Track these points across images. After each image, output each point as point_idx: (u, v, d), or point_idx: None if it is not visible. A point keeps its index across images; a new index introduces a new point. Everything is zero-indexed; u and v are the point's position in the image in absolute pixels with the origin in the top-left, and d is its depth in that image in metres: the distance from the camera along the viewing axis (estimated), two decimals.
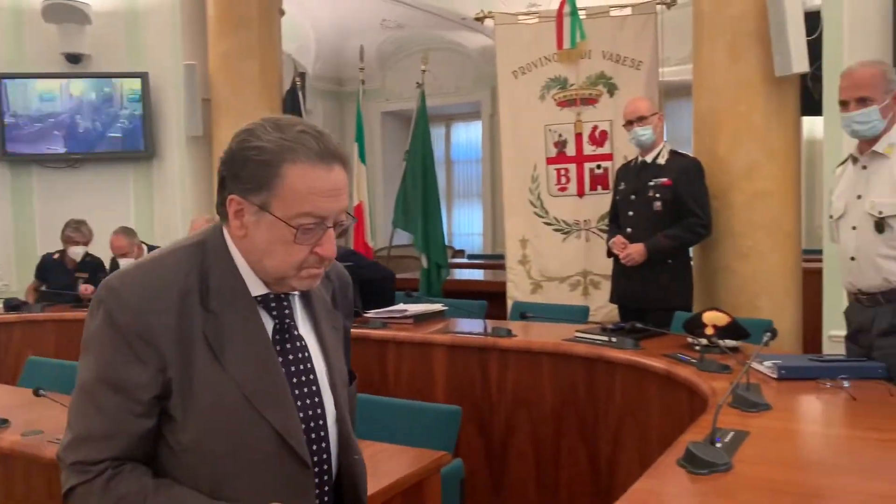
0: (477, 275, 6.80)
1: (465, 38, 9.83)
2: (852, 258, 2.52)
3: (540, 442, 3.09)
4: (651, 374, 2.70)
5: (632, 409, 2.82)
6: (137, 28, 5.79)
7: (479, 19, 4.87)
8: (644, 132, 3.63)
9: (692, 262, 3.83)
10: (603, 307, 4.44)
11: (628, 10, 4.67)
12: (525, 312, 3.46)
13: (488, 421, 3.20)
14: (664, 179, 3.62)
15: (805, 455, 1.77)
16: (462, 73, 10.32)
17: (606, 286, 4.50)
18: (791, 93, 3.75)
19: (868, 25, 3.31)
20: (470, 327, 3.45)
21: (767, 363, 2.33)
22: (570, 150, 4.68)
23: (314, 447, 1.27)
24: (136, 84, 5.68)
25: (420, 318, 3.63)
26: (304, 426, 1.24)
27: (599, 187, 4.64)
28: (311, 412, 1.26)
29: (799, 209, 3.84)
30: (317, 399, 1.28)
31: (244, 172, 1.17)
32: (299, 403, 1.25)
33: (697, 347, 2.73)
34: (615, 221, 3.86)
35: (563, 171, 4.69)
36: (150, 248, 5.04)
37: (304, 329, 1.31)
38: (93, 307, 1.20)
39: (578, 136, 4.67)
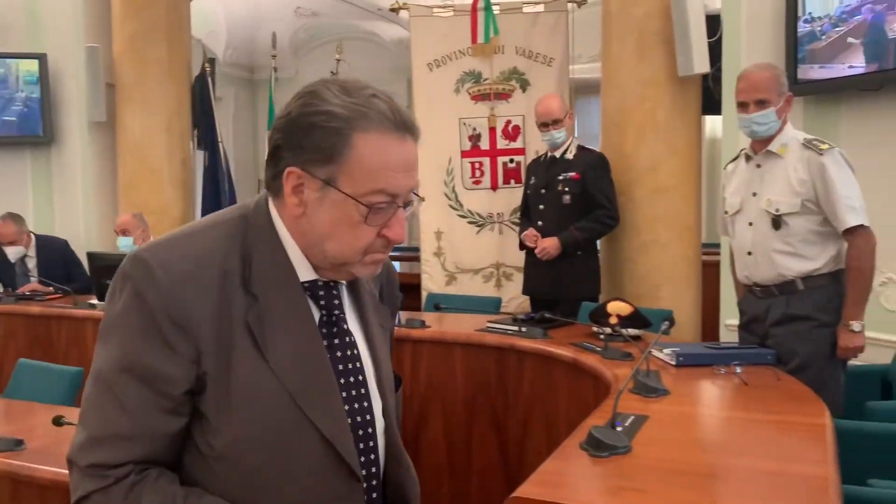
0: (394, 266, 6.80)
1: (382, 28, 9.78)
2: (749, 253, 2.65)
3: (452, 431, 3.14)
4: (559, 362, 2.77)
5: (540, 396, 2.90)
6: (35, 7, 5.50)
7: (395, 10, 4.86)
8: (559, 135, 3.77)
9: (599, 254, 3.97)
10: (515, 298, 4.54)
11: (541, 8, 4.76)
12: (439, 304, 3.49)
13: (402, 412, 3.21)
14: (572, 174, 3.74)
15: (700, 437, 1.87)
16: (378, 63, 10.26)
17: (519, 278, 4.60)
18: (693, 92, 3.92)
19: (764, 29, 3.49)
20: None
21: (667, 350, 2.44)
22: (485, 144, 4.75)
23: (363, 458, 1.11)
24: (33, 66, 5.40)
25: None
26: (352, 433, 1.09)
27: (512, 181, 4.73)
28: (359, 417, 1.10)
29: (699, 204, 4.02)
30: (366, 403, 1.12)
31: (308, 141, 1.01)
32: (347, 407, 1.08)
33: (602, 336, 2.83)
34: (526, 215, 3.97)
35: (477, 165, 4.75)
36: (39, 237, 4.81)
37: (352, 324, 1.14)
38: (115, 284, 1.02)
39: (492, 130, 4.74)
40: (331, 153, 1.00)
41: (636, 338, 2.78)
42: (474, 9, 4.65)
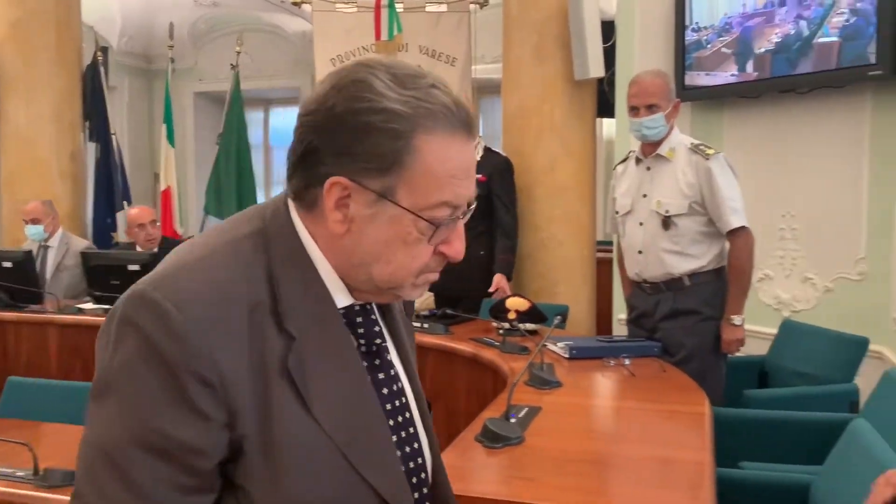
0: None
1: (284, 21, 9.62)
2: (640, 251, 2.77)
3: None
4: (459, 357, 2.83)
5: (442, 391, 2.94)
6: None
7: (297, 4, 4.81)
8: None
9: None
10: (421, 296, 4.56)
11: (444, 7, 4.81)
12: None
13: None
14: (479, 175, 3.78)
15: (590, 426, 1.95)
16: (281, 56, 10.08)
17: None
18: (589, 95, 4.06)
19: (655, 36, 3.65)
20: None
21: (560, 344, 2.53)
22: None
23: None
24: None
25: None
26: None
27: None
28: (412, 463, 0.91)
29: (594, 203, 4.16)
30: (416, 445, 0.93)
31: (362, 146, 0.81)
32: (399, 453, 0.90)
33: (501, 331, 2.90)
34: None
35: None
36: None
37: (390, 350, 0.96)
38: (113, 330, 0.79)
39: None
40: (391, 162, 0.81)
41: (533, 332, 2.87)
42: (378, 5, 4.65)
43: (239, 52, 5.32)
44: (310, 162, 0.83)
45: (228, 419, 0.78)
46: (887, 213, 2.93)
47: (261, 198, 7.61)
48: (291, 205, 0.87)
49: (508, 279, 3.72)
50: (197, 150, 10.00)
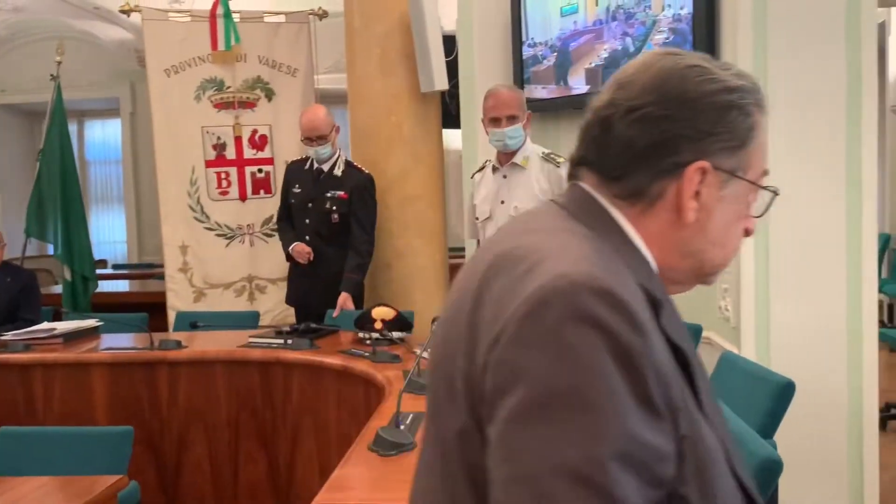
0: (122, 286, 6.34)
1: (99, 28, 9.03)
2: None
3: (217, 453, 3.04)
4: (328, 370, 2.82)
5: (310, 406, 2.92)
6: None
7: (125, 12, 4.54)
8: (324, 151, 3.69)
9: None
10: (272, 310, 4.48)
11: (282, 18, 4.75)
12: (195, 322, 3.35)
13: (159, 439, 3.04)
14: (341, 192, 3.72)
15: None
16: (96, 66, 9.45)
17: (273, 290, 4.55)
18: (434, 107, 4.18)
19: (494, 51, 3.83)
20: (133, 342, 3.24)
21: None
22: (230, 154, 4.62)
23: None
24: None
25: (70, 337, 3.31)
26: None
27: (262, 191, 4.65)
28: None
29: (444, 211, 4.29)
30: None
31: (723, 126, 0.80)
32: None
33: (368, 341, 2.93)
34: (287, 220, 3.87)
35: (223, 175, 4.60)
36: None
37: None
38: (559, 329, 0.67)
39: (238, 139, 4.63)
40: (744, 138, 0.81)
41: (401, 340, 2.92)
42: (213, 15, 4.51)
43: (60, 62, 4.94)
44: (660, 154, 0.79)
45: (672, 418, 0.70)
46: None
47: (91, 216, 7.03)
48: (611, 203, 0.82)
49: (354, 298, 3.67)
50: (5, 167, 9.16)
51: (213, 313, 3.97)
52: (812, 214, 2.78)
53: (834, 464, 2.83)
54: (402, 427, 1.81)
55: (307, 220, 3.75)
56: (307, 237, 3.75)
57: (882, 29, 6.86)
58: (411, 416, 1.93)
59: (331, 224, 3.71)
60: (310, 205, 3.75)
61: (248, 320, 3.75)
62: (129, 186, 10.01)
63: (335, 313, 3.63)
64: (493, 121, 2.83)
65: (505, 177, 2.91)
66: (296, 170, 3.89)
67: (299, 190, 3.79)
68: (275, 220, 4.16)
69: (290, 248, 3.76)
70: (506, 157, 2.90)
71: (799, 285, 2.76)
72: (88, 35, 9.17)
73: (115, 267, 8.52)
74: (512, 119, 2.81)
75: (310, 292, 3.77)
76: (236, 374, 3.00)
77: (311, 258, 3.69)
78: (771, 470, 1.52)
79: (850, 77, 2.81)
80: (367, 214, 3.77)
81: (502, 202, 2.89)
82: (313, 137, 3.68)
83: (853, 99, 2.82)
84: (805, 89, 2.71)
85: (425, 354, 2.58)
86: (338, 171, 3.75)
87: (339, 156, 3.79)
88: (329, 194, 3.72)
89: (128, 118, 9.92)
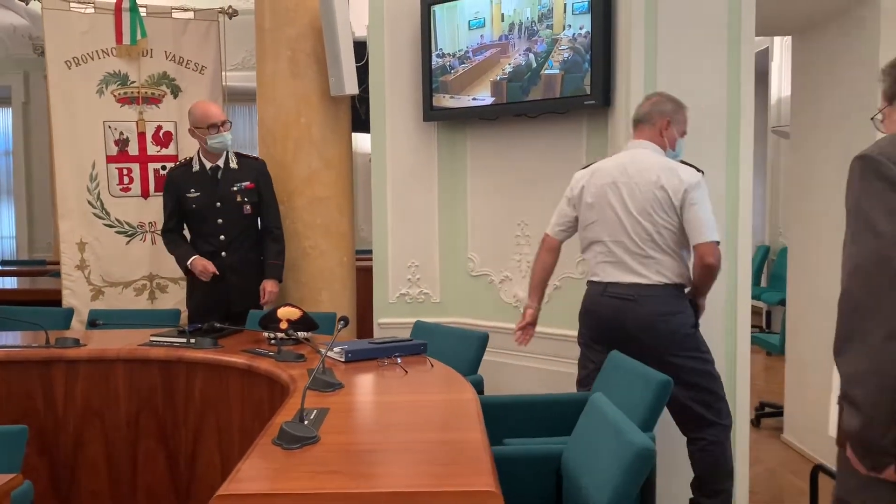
0: (10, 283, 6.07)
1: None
2: None
3: (114, 451, 2.99)
4: (232, 369, 2.84)
5: (213, 405, 2.92)
6: None
7: (25, 0, 4.38)
8: (224, 138, 3.69)
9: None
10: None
11: (190, 15, 4.69)
12: (96, 320, 3.28)
13: (54, 438, 2.97)
14: (247, 183, 3.77)
15: (376, 420, 2.11)
16: None
17: (175, 289, 4.50)
18: (343, 111, 4.23)
19: (404, 59, 3.92)
20: (27, 340, 3.15)
21: (336, 349, 2.66)
22: (133, 150, 4.53)
23: None
24: None
25: None
26: None
27: None
28: None
29: (352, 213, 4.35)
30: None
31: None
32: None
33: (273, 341, 2.96)
34: (177, 231, 3.81)
35: (125, 171, 4.51)
36: None
37: None
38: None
39: (141, 135, 4.54)
40: None
41: (306, 339, 2.97)
42: (118, 8, 4.41)
43: None
44: None
45: None
46: None
47: None
48: None
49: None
50: None
51: (117, 311, 3.87)
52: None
53: None
54: (305, 422, 1.87)
55: (220, 220, 3.72)
56: (222, 237, 3.73)
57: (765, 55, 7.37)
58: (315, 411, 2.00)
59: (243, 216, 3.76)
60: (219, 204, 3.73)
61: (156, 318, 3.64)
62: (19, 180, 9.55)
63: (263, 300, 3.71)
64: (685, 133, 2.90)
65: None
66: (182, 174, 3.79)
67: (198, 193, 3.74)
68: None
69: (189, 262, 3.70)
70: None
71: None
72: None
73: (4, 263, 8.12)
74: None
75: (232, 294, 3.75)
76: (137, 373, 2.97)
77: (216, 273, 3.65)
78: (646, 459, 1.67)
79: (730, 99, 3.07)
80: (274, 197, 3.86)
81: None
82: (219, 123, 3.67)
83: (732, 119, 3.08)
84: (691, 108, 2.94)
85: (332, 354, 2.65)
86: (234, 164, 3.78)
87: (228, 150, 3.79)
88: (236, 188, 3.75)
89: (20, 108, 9.48)
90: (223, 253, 3.74)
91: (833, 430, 1.57)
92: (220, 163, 3.76)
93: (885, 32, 3.29)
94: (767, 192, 8.00)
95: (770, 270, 7.86)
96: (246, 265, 3.76)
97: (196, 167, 3.77)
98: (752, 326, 3.40)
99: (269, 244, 3.80)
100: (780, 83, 7.21)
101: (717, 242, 2.68)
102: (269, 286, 3.75)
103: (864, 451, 1.44)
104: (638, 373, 2.35)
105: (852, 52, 3.53)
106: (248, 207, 3.76)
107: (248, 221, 3.78)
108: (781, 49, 7.01)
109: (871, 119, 1.83)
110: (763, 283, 7.90)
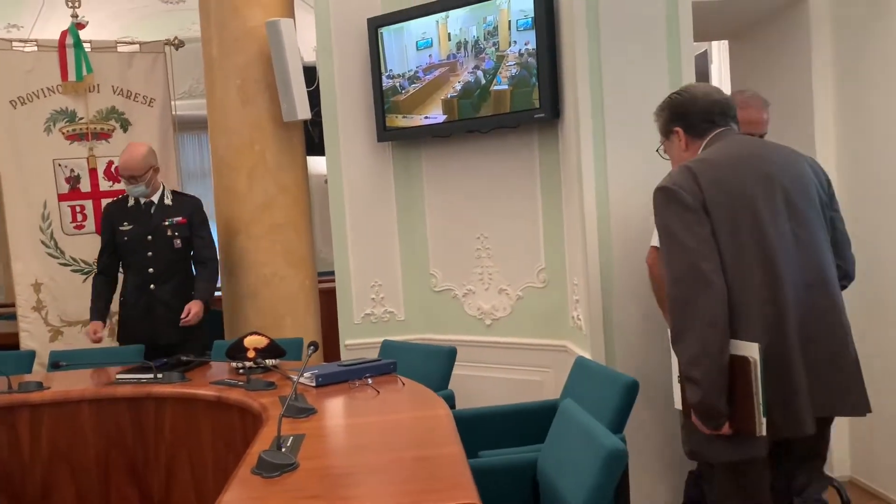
0: None
1: None
2: None
3: (85, 495, 2.95)
4: (201, 402, 2.82)
5: (184, 439, 2.90)
6: None
7: None
8: (138, 189, 3.81)
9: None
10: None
11: (136, 48, 4.67)
12: (58, 361, 3.23)
13: (20, 485, 2.92)
14: (179, 218, 3.86)
15: (352, 442, 2.13)
16: None
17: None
18: (297, 135, 4.25)
19: (355, 82, 3.95)
20: None
21: (307, 374, 2.67)
22: (85, 186, 4.47)
23: None
24: None
25: None
26: None
27: None
28: None
29: (311, 237, 4.35)
30: None
31: None
32: None
33: (242, 370, 2.96)
34: (106, 273, 3.93)
35: (78, 208, 4.45)
36: None
37: None
38: None
39: (93, 171, 4.49)
40: None
41: (274, 367, 2.97)
42: (62, 45, 4.37)
43: None
44: None
45: None
46: (558, 229, 3.54)
47: None
48: None
49: (206, 306, 3.79)
50: None
51: (79, 351, 3.80)
52: (639, 228, 3.06)
53: (679, 455, 3.15)
54: (283, 449, 1.89)
55: (150, 253, 3.82)
56: (151, 269, 3.82)
57: (704, 57, 7.59)
58: (291, 438, 2.01)
59: (173, 250, 3.85)
60: (150, 237, 3.83)
61: (119, 356, 3.59)
62: None
63: (185, 319, 3.70)
64: None
65: None
66: (118, 209, 3.92)
67: (130, 227, 3.86)
68: None
69: (90, 323, 3.87)
70: None
71: (638, 293, 3.05)
72: None
73: None
74: None
75: (164, 329, 3.80)
76: (105, 413, 2.93)
77: (189, 313, 3.73)
78: (618, 459, 1.73)
79: None
80: (208, 232, 3.96)
81: None
82: (126, 177, 3.80)
83: None
84: (638, 114, 3.00)
85: (302, 380, 2.66)
86: (168, 201, 3.90)
87: (163, 188, 3.92)
88: (167, 222, 3.86)
89: None
90: (151, 285, 3.83)
91: (678, 404, 2.06)
92: (155, 198, 3.88)
93: (816, 36, 3.44)
94: None
95: None
96: (174, 298, 3.81)
97: (131, 202, 3.88)
98: None
99: (199, 270, 3.90)
100: (721, 85, 7.43)
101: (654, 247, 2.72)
102: (193, 307, 3.75)
103: (706, 415, 1.90)
104: (604, 375, 2.42)
105: (787, 56, 3.68)
106: (178, 241, 3.85)
107: (177, 256, 3.87)
108: (720, 52, 7.23)
109: (656, 151, 2.38)
110: None
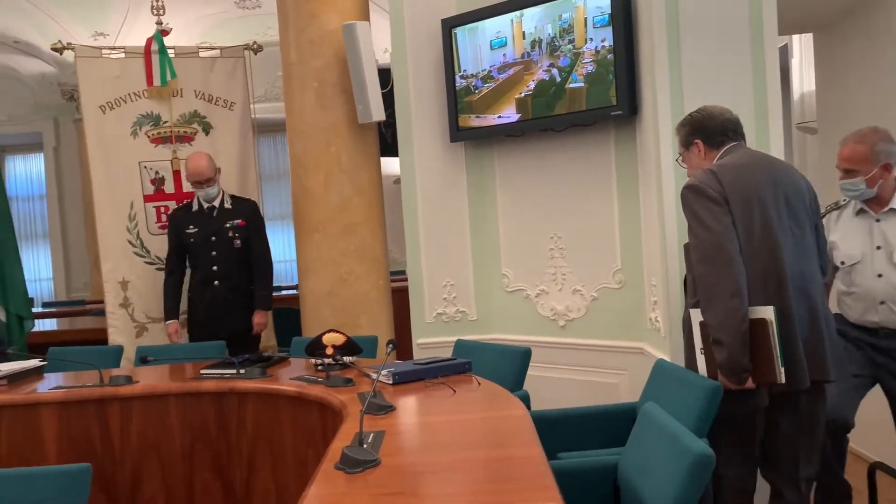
0: (50, 324, 6.20)
1: (19, 62, 8.86)
2: (882, 302, 2.78)
3: (171, 485, 3.05)
4: (282, 397, 2.89)
5: (265, 433, 2.98)
6: None
7: (57, 50, 4.53)
8: (213, 191, 4.22)
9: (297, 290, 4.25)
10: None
11: (217, 53, 4.81)
12: (146, 356, 3.36)
13: (112, 475, 3.04)
14: (239, 221, 4.24)
15: (432, 440, 2.14)
16: (17, 100, 9.26)
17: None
18: (371, 137, 4.31)
19: (428, 82, 3.98)
20: (81, 380, 3.23)
21: (384, 372, 2.70)
22: (169, 188, 4.64)
23: None
24: None
25: (15, 378, 3.28)
26: None
27: None
28: None
29: (384, 237, 4.40)
30: None
31: None
32: None
33: (320, 367, 3.02)
34: (175, 274, 4.33)
35: (162, 209, 4.62)
36: None
37: None
38: None
39: (176, 173, 4.66)
40: None
41: (352, 364, 3.02)
42: (147, 51, 4.54)
43: None
44: None
45: None
46: (634, 229, 3.48)
47: (26, 255, 6.88)
48: None
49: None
50: None
51: (166, 347, 4.00)
52: None
53: None
54: (365, 445, 1.91)
55: (213, 253, 4.22)
56: (214, 268, 4.21)
57: (785, 51, 7.35)
58: (372, 434, 2.03)
59: (234, 249, 4.22)
60: (213, 238, 4.20)
61: (203, 351, 3.74)
62: (54, 223, 9.76)
63: (258, 330, 4.26)
64: (839, 169, 2.85)
65: (878, 221, 2.81)
66: (183, 215, 4.32)
67: (195, 230, 4.24)
68: None
69: (166, 322, 4.33)
70: (877, 203, 2.81)
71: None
72: (8, 69, 8.98)
73: (45, 305, 8.29)
74: (849, 172, 2.79)
75: (223, 319, 4.21)
76: (189, 407, 3.03)
77: (178, 339, 4.26)
78: (705, 465, 1.69)
79: (757, 97, 3.08)
80: (263, 234, 4.35)
81: (878, 247, 2.80)
82: (201, 181, 4.17)
83: (760, 117, 3.08)
84: None
85: (381, 378, 2.69)
86: (228, 205, 4.26)
87: (223, 193, 4.29)
88: (228, 224, 4.22)
89: (52, 153, 9.72)
90: (215, 282, 4.22)
91: (703, 372, 2.36)
92: (217, 203, 4.24)
93: None
94: None
95: None
96: (234, 293, 4.24)
97: (196, 207, 4.25)
98: None
99: (259, 276, 4.29)
100: (802, 79, 7.17)
101: None
102: (256, 318, 4.25)
103: (731, 372, 2.24)
104: (686, 379, 2.37)
105: (876, 48, 3.53)
106: (237, 242, 4.23)
107: (238, 254, 4.23)
108: (801, 45, 6.98)
109: (676, 160, 2.75)
110: None
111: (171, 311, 4.29)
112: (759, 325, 2.24)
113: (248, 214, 4.28)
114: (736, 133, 2.52)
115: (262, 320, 4.26)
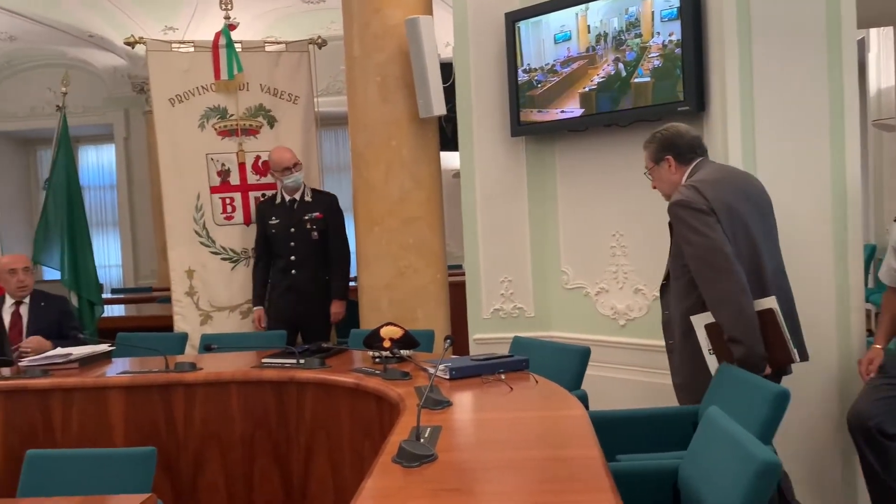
0: (118, 310, 6.41)
1: (93, 56, 9.17)
2: None
3: (232, 471, 3.12)
4: (340, 388, 2.92)
5: (323, 424, 3.01)
6: None
7: (130, 44, 4.67)
8: (296, 177, 4.40)
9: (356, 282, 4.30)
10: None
11: (282, 47, 4.88)
12: (210, 344, 3.44)
13: (175, 459, 3.12)
14: (317, 213, 4.38)
15: (488, 437, 2.13)
16: (90, 93, 9.58)
17: None
18: (432, 131, 4.31)
19: (489, 77, 3.96)
20: (147, 365, 3.33)
21: (441, 367, 2.70)
22: (234, 180, 4.74)
23: None
24: None
25: (86, 362, 3.40)
26: None
27: None
28: None
29: (443, 231, 4.40)
30: None
31: None
32: None
33: (378, 359, 3.04)
34: (263, 260, 4.52)
35: (228, 200, 4.72)
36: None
37: None
38: None
39: (242, 165, 4.75)
40: None
41: (409, 357, 3.03)
42: (216, 45, 4.64)
43: (65, 93, 5.05)
44: None
45: None
46: None
47: (96, 242, 7.15)
48: None
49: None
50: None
51: (229, 335, 4.10)
52: (798, 226, 2.91)
53: (827, 469, 2.95)
54: (422, 440, 1.91)
55: (292, 243, 4.39)
56: (293, 257, 4.38)
57: (861, 45, 7.07)
58: (429, 429, 2.03)
59: (311, 241, 4.37)
60: (292, 230, 4.35)
61: (266, 340, 3.81)
62: (123, 211, 10.08)
63: (335, 319, 4.42)
64: None
65: None
66: (268, 206, 4.54)
67: (277, 221, 4.42)
68: None
69: (254, 308, 4.57)
70: None
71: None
72: (82, 62, 9.30)
73: (114, 291, 8.58)
74: None
75: (296, 307, 4.37)
76: (251, 395, 3.09)
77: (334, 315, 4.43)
78: (771, 472, 1.63)
79: (833, 93, 2.97)
80: (342, 227, 4.51)
81: None
82: (291, 166, 4.34)
83: (836, 114, 2.97)
84: (790, 107, 2.86)
85: (430, 369, 2.69)
86: (308, 198, 4.42)
87: (304, 187, 4.45)
88: (307, 216, 4.37)
89: (122, 143, 10.03)
90: (293, 270, 4.39)
91: (713, 370, 2.55)
92: (297, 196, 4.46)
93: None
94: (871, 187, 7.63)
95: (878, 270, 7.48)
96: (310, 282, 4.39)
97: (279, 199, 4.49)
98: None
99: (335, 268, 4.44)
100: (879, 75, 6.89)
101: None
102: (334, 307, 4.41)
103: (751, 363, 2.42)
104: (751, 384, 2.30)
105: None
106: (315, 234, 4.38)
107: (316, 245, 4.38)
108: (879, 39, 6.70)
109: (644, 173, 2.90)
110: (870, 284, 7.52)
111: (258, 298, 4.50)
112: (766, 315, 2.47)
113: (326, 207, 4.43)
114: (701, 148, 2.75)
115: (338, 309, 4.41)
